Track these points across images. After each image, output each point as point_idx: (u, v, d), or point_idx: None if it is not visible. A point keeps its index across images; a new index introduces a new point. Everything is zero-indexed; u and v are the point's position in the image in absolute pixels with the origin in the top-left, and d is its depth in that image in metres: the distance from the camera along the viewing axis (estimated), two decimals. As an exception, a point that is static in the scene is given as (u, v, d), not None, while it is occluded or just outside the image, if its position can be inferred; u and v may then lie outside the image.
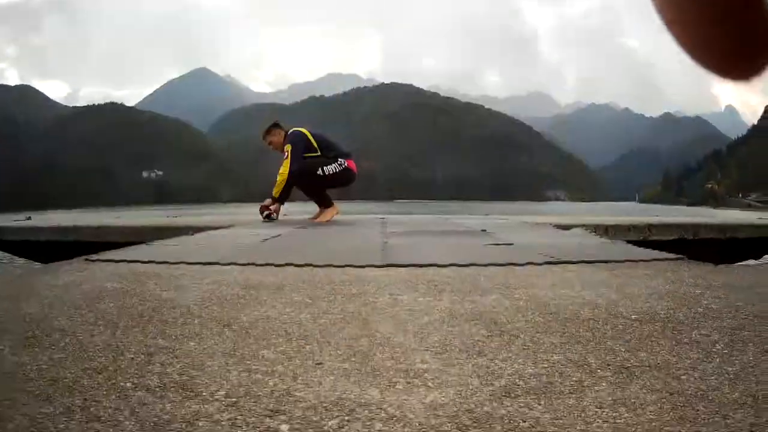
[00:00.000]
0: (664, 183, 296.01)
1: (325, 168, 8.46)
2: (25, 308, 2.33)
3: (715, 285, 2.79)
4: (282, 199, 8.74)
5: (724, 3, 0.45)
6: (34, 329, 1.98)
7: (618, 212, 25.61)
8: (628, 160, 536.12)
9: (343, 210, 9.17)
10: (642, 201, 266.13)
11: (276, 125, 9.11)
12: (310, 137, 8.68)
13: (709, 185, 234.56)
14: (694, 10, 0.45)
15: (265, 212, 8.62)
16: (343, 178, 8.71)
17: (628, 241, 6.11)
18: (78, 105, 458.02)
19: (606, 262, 3.68)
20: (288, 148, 8.56)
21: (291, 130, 8.91)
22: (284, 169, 8.52)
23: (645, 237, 6.94)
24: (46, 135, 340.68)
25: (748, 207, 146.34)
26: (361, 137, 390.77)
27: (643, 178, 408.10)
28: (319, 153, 8.61)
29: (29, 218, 11.51)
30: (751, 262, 6.99)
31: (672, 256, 4.05)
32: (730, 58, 0.47)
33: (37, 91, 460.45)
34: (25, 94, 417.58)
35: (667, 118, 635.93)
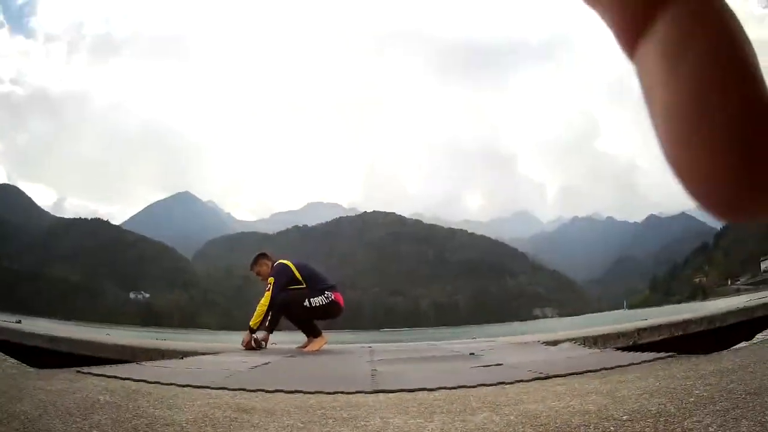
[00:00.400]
0: (651, 286, 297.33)
1: (312, 300, 8.46)
2: (20, 407, 2.38)
3: (705, 373, 2.83)
4: (270, 328, 8.73)
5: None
6: (30, 428, 2.02)
7: (607, 322, 25.66)
8: (614, 269, 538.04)
9: (330, 340, 9.11)
10: (631, 307, 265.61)
11: (263, 255, 9.17)
12: (294, 270, 8.72)
13: (697, 279, 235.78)
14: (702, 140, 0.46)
15: (247, 346, 8.50)
16: (330, 311, 8.68)
17: (618, 348, 6.16)
18: (65, 216, 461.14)
19: (596, 370, 3.71)
20: (270, 280, 8.60)
21: (276, 263, 8.95)
22: (264, 301, 8.53)
23: (635, 341, 6.94)
24: (36, 242, 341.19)
25: (737, 292, 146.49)
26: (345, 267, 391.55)
27: (632, 285, 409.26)
28: (304, 285, 8.62)
29: (19, 321, 11.45)
30: (743, 344, 7.00)
31: (662, 354, 4.09)
32: (729, 197, 0.47)
33: (24, 194, 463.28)
34: (14, 195, 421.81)
35: (652, 220, 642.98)
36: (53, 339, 7.55)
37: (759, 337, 7.46)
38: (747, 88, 0.46)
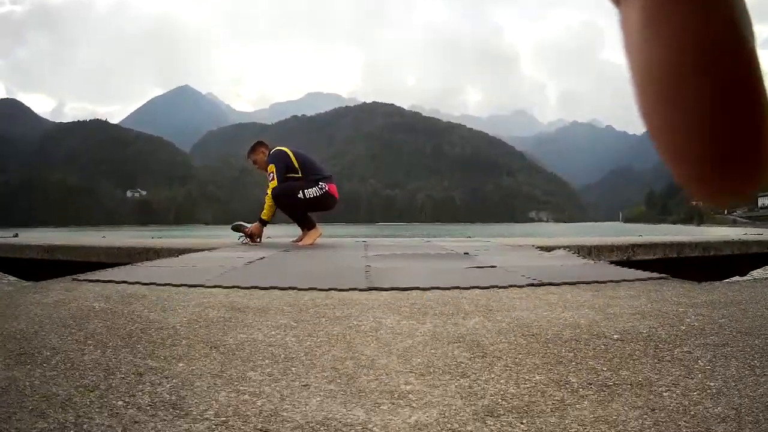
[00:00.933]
0: (648, 202, 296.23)
1: (305, 191, 8.44)
2: (16, 325, 2.36)
3: (698, 303, 2.82)
4: (268, 222, 8.76)
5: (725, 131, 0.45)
6: (26, 346, 2.00)
7: (601, 232, 25.65)
8: (611, 179, 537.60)
9: (325, 233, 9.18)
10: (626, 220, 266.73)
11: (260, 143, 9.10)
12: (292, 157, 8.66)
13: (694, 203, 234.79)
14: (685, 129, 0.46)
15: (243, 238, 8.67)
16: (324, 203, 8.69)
17: (612, 262, 6.14)
18: (64, 121, 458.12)
19: (588, 283, 3.70)
20: (271, 168, 8.53)
21: (273, 149, 8.89)
22: (271, 191, 8.52)
23: (629, 257, 6.98)
24: (33, 151, 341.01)
25: (734, 223, 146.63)
26: (343, 157, 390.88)
27: (628, 197, 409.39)
28: (300, 174, 8.59)
29: (16, 235, 11.51)
30: (736, 278, 7.00)
31: (655, 275, 4.07)
32: (714, 184, 0.47)
33: (23, 105, 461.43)
34: (12, 107, 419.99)
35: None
36: (49, 248, 7.65)
37: (753, 274, 7.48)
38: (732, 61, 0.44)
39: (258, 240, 8.68)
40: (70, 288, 3.52)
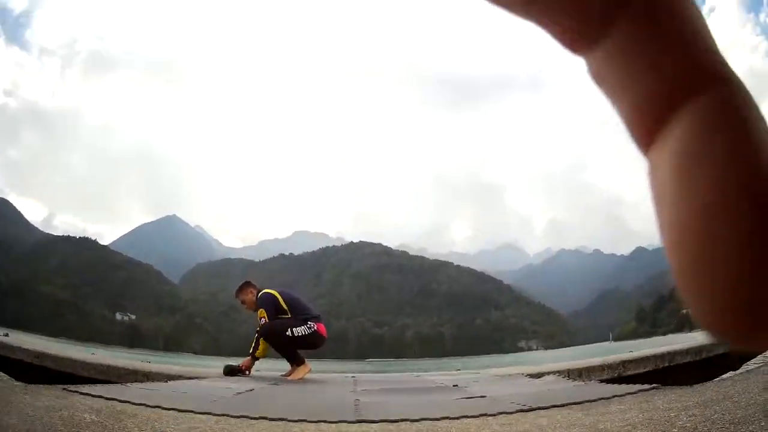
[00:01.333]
0: (637, 317, 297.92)
1: (294, 330, 8.47)
2: (8, 420, 2.40)
3: (689, 405, 2.82)
4: (254, 355, 8.74)
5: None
6: None
7: (592, 354, 25.71)
8: (600, 302, 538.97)
9: (314, 368, 9.11)
10: (617, 339, 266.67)
11: (248, 284, 9.19)
12: (280, 299, 8.74)
13: (684, 310, 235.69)
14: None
15: (233, 370, 8.58)
16: (312, 342, 8.72)
17: (603, 380, 6.17)
18: (54, 233, 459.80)
19: (579, 403, 3.71)
20: (262, 313, 8.60)
21: (261, 292, 8.95)
22: (260, 328, 8.59)
23: (620, 374, 6.94)
24: (24, 256, 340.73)
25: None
26: (331, 297, 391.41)
27: (617, 317, 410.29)
28: (289, 314, 8.66)
29: (7, 335, 11.40)
30: (729, 374, 6.99)
31: (646, 386, 4.09)
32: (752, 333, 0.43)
33: (15, 208, 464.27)
34: (4, 207, 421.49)
35: (639, 252, 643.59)
36: (39, 355, 7.51)
37: (745, 367, 7.47)
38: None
39: (247, 372, 8.65)
40: (61, 396, 3.56)
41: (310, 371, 8.72)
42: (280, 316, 8.63)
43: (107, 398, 3.78)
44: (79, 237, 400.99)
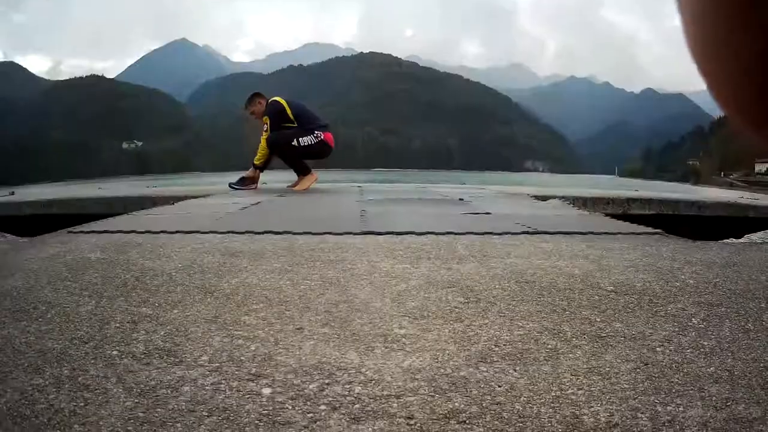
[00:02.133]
0: (644, 158, 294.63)
1: (300, 139, 8.48)
2: (11, 282, 2.34)
3: (693, 260, 2.79)
4: (261, 167, 8.80)
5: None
6: (21, 302, 1.99)
7: (597, 185, 25.61)
8: (607, 133, 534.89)
9: (321, 178, 9.16)
10: (622, 175, 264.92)
11: (258, 95, 9.08)
12: (287, 107, 8.66)
13: (691, 162, 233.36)
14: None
15: (236, 186, 8.69)
16: (319, 151, 8.72)
17: (607, 215, 6.14)
18: (60, 78, 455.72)
19: (584, 233, 3.70)
20: (266, 120, 8.59)
21: (270, 100, 8.88)
22: (264, 141, 8.59)
23: (624, 211, 6.97)
24: (30, 110, 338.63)
25: (730, 186, 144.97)
26: (340, 105, 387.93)
27: (624, 153, 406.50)
28: (295, 124, 8.61)
29: (13, 193, 11.49)
30: (731, 240, 7.00)
31: (650, 230, 4.06)
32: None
33: (21, 67, 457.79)
34: (10, 70, 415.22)
35: (648, 93, 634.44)
36: (45, 204, 7.60)
37: (748, 238, 7.48)
38: None
39: (254, 186, 8.74)
40: (66, 241, 3.49)
41: (316, 180, 8.80)
42: (285, 125, 8.59)
43: (112, 232, 3.79)
44: (86, 76, 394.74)
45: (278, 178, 9.24)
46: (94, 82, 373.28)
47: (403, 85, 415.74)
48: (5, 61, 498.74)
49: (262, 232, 3.55)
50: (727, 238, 6.61)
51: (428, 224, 3.89)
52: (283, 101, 8.76)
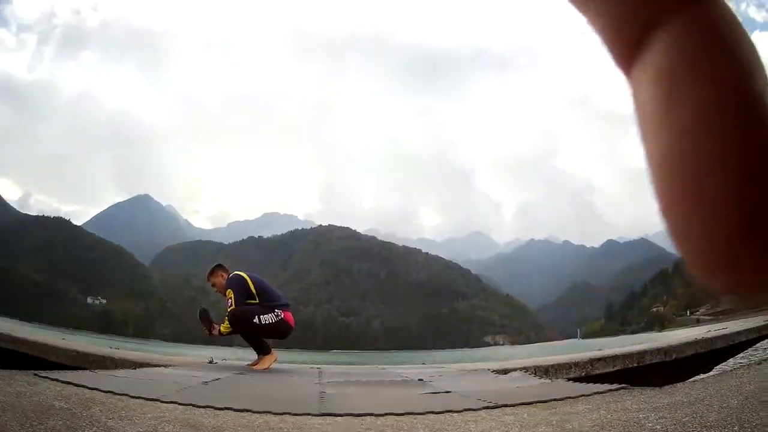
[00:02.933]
0: (607, 314, 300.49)
1: (261, 317, 8.42)
2: None
3: (659, 406, 2.82)
4: (223, 335, 8.80)
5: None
6: None
7: (559, 351, 25.88)
8: (569, 295, 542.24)
9: (280, 358, 9.10)
10: (585, 336, 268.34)
11: (219, 266, 9.18)
12: (250, 282, 8.69)
13: (655, 309, 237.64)
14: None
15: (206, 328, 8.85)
16: (279, 330, 8.66)
17: (571, 379, 6.20)
18: (30, 213, 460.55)
19: (545, 401, 3.70)
20: (230, 293, 8.56)
21: (232, 274, 8.94)
22: (228, 315, 8.58)
23: (588, 372, 6.98)
24: (1, 237, 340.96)
25: (697, 323, 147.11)
26: (299, 282, 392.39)
27: (587, 312, 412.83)
28: (257, 300, 8.59)
29: None
30: (700, 376, 7.00)
31: (615, 386, 4.10)
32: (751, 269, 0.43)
33: None
34: None
35: (610, 245, 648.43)
36: (12, 340, 7.71)
37: (717, 369, 7.48)
38: (758, 137, 0.41)
39: (208, 332, 8.92)
40: (32, 382, 3.61)
41: (276, 361, 8.71)
42: (248, 302, 8.55)
43: (76, 385, 3.81)
44: (54, 217, 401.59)
45: (239, 355, 9.23)
46: (62, 225, 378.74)
47: (362, 262, 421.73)
48: None
49: (222, 408, 3.52)
50: (696, 375, 6.60)
51: (388, 405, 3.89)
52: (245, 275, 8.84)
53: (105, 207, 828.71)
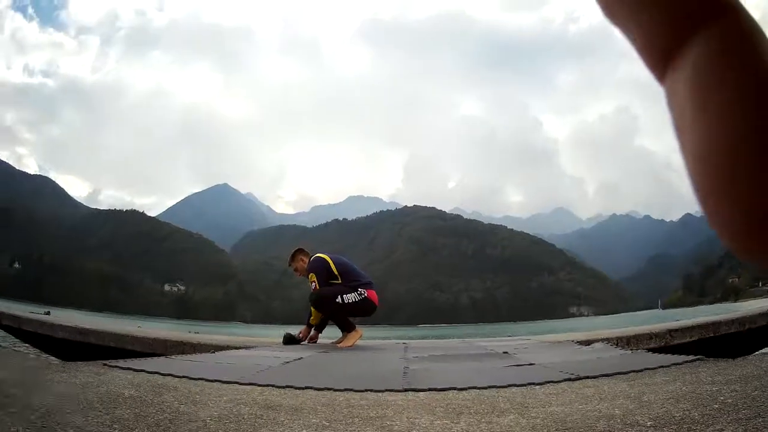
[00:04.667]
0: (685, 285, 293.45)
1: (344, 296, 8.44)
2: (41, 400, 2.40)
3: (732, 379, 2.81)
4: (318, 327, 8.95)
5: None
6: (49, 421, 2.03)
7: (641, 322, 25.29)
8: (650, 267, 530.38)
9: (366, 335, 9.12)
10: (665, 307, 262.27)
11: (300, 251, 9.25)
12: (331, 264, 8.73)
13: (731, 280, 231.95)
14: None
15: (305, 338, 8.82)
16: (363, 308, 8.69)
17: (650, 349, 6.11)
18: (100, 208, 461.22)
19: (626, 373, 3.69)
20: (312, 277, 8.61)
21: (313, 257, 9.00)
22: (310, 296, 8.63)
23: (666, 343, 6.88)
24: (67, 233, 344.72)
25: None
26: (385, 261, 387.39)
27: (667, 283, 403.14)
28: (340, 280, 8.63)
29: (48, 313, 11.55)
30: (770, 348, 6.87)
31: (691, 357, 4.06)
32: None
33: (56, 185, 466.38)
34: (44, 185, 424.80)
35: (688, 219, 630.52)
36: (82, 331, 7.56)
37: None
38: None
39: (305, 341, 8.85)
40: (100, 372, 3.57)
41: (361, 337, 8.70)
42: (331, 282, 8.59)
43: (149, 372, 3.81)
44: (126, 210, 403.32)
45: (324, 334, 9.24)
46: (136, 218, 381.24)
47: (448, 239, 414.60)
48: (40, 175, 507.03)
49: (303, 387, 3.53)
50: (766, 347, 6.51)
51: (471, 379, 3.85)
52: (327, 257, 8.87)
53: (181, 198, 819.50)
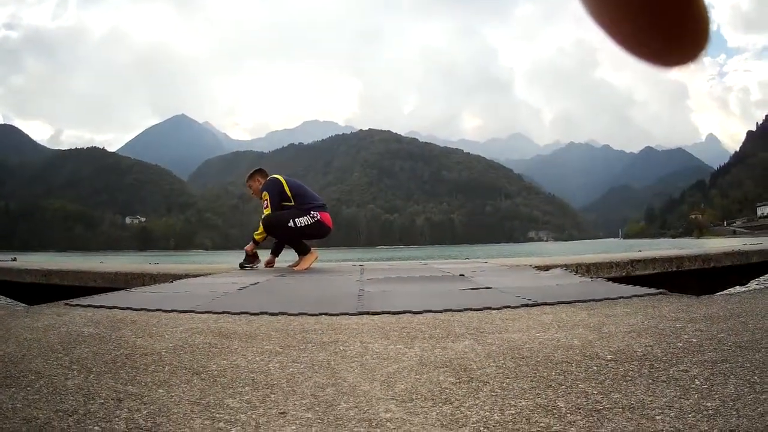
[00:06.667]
0: (647, 217, 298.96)
1: (296, 220, 8.58)
2: (4, 348, 2.41)
3: (696, 317, 2.77)
4: (258, 242, 8.93)
5: None
6: (12, 369, 2.03)
7: (601, 250, 25.66)
8: (610, 197, 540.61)
9: (324, 258, 9.24)
10: (626, 237, 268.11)
11: (260, 171, 9.31)
12: (285, 185, 8.81)
13: (693, 216, 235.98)
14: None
15: (246, 266, 8.81)
16: (315, 231, 8.82)
17: (610, 278, 6.13)
18: (62, 148, 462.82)
19: (585, 301, 3.66)
20: (265, 196, 8.70)
21: (268, 178, 9.06)
22: (262, 220, 8.73)
23: (628, 273, 6.96)
24: (32, 177, 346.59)
25: (733, 234, 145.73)
26: (341, 184, 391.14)
27: (627, 214, 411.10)
28: (293, 203, 8.74)
29: (14, 259, 11.61)
30: (736, 289, 6.96)
31: (653, 291, 4.02)
32: (664, 46, 0.48)
33: (20, 131, 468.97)
34: (10, 133, 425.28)
35: (648, 152, 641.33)
36: (46, 273, 7.70)
37: (753, 284, 7.41)
38: None
39: (258, 261, 9.01)
40: (61, 313, 3.54)
41: (317, 259, 8.85)
42: (284, 204, 8.71)
43: (108, 307, 3.81)
44: (87, 147, 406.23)
45: (280, 258, 9.27)
46: (96, 154, 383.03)
47: (404, 162, 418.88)
48: (4, 124, 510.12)
49: (258, 313, 3.52)
50: (732, 287, 6.58)
51: (426, 302, 3.85)
52: (282, 179, 8.92)
53: (140, 131, 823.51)
